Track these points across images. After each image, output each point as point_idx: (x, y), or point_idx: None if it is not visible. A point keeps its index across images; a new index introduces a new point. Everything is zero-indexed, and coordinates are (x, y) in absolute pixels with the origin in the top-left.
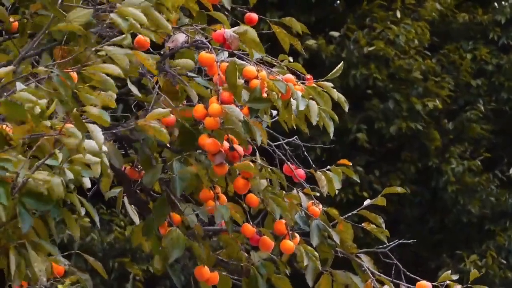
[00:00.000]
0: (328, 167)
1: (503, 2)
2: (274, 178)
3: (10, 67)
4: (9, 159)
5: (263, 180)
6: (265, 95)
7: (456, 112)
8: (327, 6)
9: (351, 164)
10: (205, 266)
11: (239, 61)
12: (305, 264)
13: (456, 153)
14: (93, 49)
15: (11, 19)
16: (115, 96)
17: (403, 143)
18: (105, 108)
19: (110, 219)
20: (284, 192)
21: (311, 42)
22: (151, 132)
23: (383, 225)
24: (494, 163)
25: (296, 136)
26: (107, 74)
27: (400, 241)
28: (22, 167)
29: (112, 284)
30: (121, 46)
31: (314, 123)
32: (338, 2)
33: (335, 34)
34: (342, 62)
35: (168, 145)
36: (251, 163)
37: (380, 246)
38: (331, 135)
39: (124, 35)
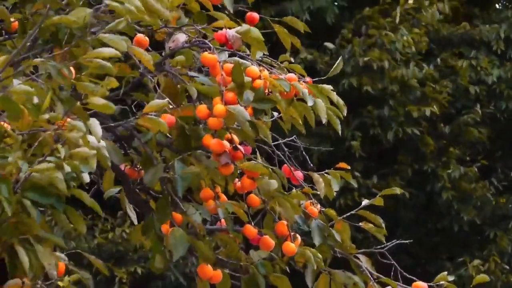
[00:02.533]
0: (327, 170)
1: (506, 3)
2: (275, 177)
3: (4, 57)
4: (6, 155)
5: (273, 180)
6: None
7: (453, 116)
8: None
9: (349, 168)
10: (208, 265)
11: (241, 61)
12: (314, 267)
13: (453, 158)
14: (89, 38)
15: (12, 19)
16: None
17: (400, 147)
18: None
19: (94, 223)
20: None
21: (304, 54)
22: (149, 125)
23: (383, 225)
24: (491, 170)
25: (295, 136)
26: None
27: (398, 241)
28: (23, 162)
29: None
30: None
31: (324, 120)
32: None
33: (330, 45)
34: (340, 57)
35: (167, 144)
36: (257, 162)
37: (378, 247)
38: (339, 131)
39: (118, 20)
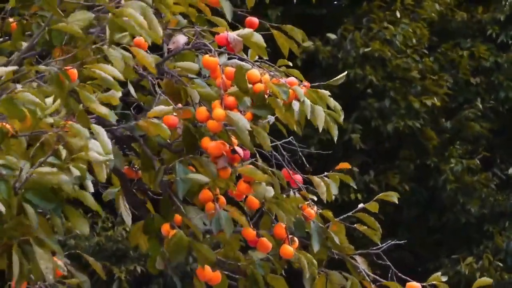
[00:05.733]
0: (326, 173)
1: (503, 1)
2: (275, 180)
3: (11, 67)
4: (11, 159)
5: (269, 188)
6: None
7: (455, 110)
8: (326, 4)
9: (350, 167)
10: (207, 266)
11: (242, 64)
12: (307, 276)
13: (455, 152)
14: (93, 46)
15: (11, 20)
16: (118, 94)
17: (401, 142)
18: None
19: (94, 221)
20: (284, 196)
21: (308, 43)
22: (151, 128)
23: (380, 230)
24: (493, 162)
25: (291, 137)
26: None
27: (394, 242)
28: (25, 163)
29: (100, 286)
30: (119, 44)
31: (320, 129)
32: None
33: (332, 36)
34: (345, 73)
35: (167, 145)
36: (256, 168)
37: (375, 248)
38: (335, 138)
39: (123, 34)
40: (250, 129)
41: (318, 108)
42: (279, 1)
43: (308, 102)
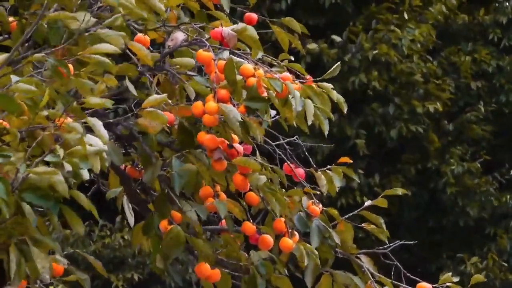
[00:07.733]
0: (329, 166)
1: (505, 3)
2: (275, 176)
3: (5, 55)
4: (8, 154)
5: (262, 176)
6: (264, 94)
7: (457, 113)
8: (336, 10)
9: (351, 162)
10: (206, 264)
11: (236, 59)
12: (305, 264)
13: (456, 154)
14: (86, 34)
15: (10, 19)
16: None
17: (403, 145)
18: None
19: (91, 229)
20: (284, 190)
21: (312, 45)
22: (148, 117)
23: (384, 226)
24: (494, 165)
25: (296, 136)
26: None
27: (401, 242)
28: (21, 163)
29: None
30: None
31: (309, 122)
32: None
33: (337, 38)
34: (339, 62)
35: (168, 143)
36: (250, 159)
37: (380, 247)
38: (326, 133)
39: (115, 16)
40: (240, 120)
41: (308, 102)
42: (287, 12)
43: (298, 95)
